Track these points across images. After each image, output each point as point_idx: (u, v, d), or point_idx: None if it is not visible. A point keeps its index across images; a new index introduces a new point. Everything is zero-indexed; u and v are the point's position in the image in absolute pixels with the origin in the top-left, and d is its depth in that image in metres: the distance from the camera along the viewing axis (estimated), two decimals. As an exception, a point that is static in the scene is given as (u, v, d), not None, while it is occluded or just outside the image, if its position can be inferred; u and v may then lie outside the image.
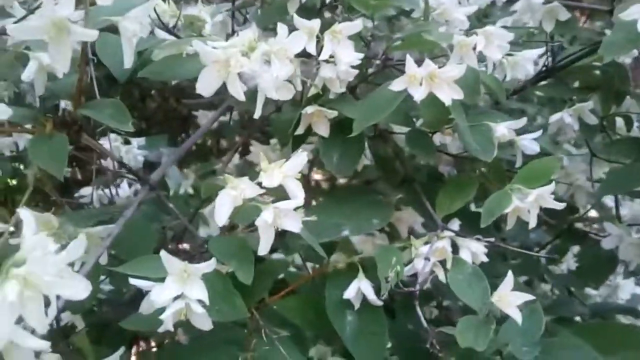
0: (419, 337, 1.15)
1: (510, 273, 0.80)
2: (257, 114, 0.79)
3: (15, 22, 0.66)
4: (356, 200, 1.00)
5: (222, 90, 0.76)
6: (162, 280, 0.72)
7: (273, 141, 1.37)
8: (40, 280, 0.52)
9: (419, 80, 0.90)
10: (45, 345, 0.55)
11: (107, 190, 1.40)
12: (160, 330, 0.73)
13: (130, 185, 1.45)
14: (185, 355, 0.86)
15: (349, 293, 0.93)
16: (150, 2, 0.70)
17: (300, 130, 0.97)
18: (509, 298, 0.79)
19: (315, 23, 0.88)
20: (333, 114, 0.96)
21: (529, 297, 0.83)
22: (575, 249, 1.50)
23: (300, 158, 0.76)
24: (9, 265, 0.55)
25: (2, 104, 0.62)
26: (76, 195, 1.44)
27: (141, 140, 1.44)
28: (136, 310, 0.77)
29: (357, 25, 0.89)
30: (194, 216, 1.21)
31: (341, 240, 1.01)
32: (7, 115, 0.64)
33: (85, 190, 1.43)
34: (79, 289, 0.56)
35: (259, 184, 0.73)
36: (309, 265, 1.17)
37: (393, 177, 1.08)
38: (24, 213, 0.58)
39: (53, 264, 0.53)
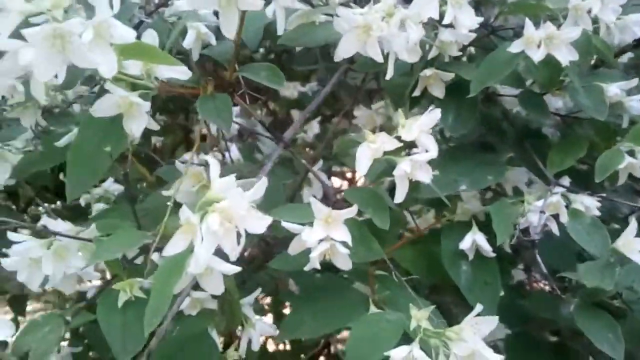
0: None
1: (634, 219, 0.85)
2: (389, 75, 0.86)
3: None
4: (470, 159, 1.06)
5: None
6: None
7: (374, 106, 1.44)
8: (236, 214, 0.61)
9: (536, 42, 0.95)
10: (237, 269, 0.64)
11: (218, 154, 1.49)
12: (307, 268, 0.81)
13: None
14: (319, 297, 0.93)
15: (465, 244, 1.00)
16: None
17: (417, 92, 1.03)
18: (633, 244, 0.84)
19: (439, -9, 0.94)
20: (449, 76, 1.02)
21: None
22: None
23: (434, 114, 0.82)
24: (204, 202, 0.64)
25: (183, 66, 0.71)
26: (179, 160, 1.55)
27: (237, 110, 1.53)
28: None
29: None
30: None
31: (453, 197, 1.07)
32: (187, 77, 0.73)
33: (188, 155, 1.54)
34: (261, 224, 0.64)
35: (398, 138, 0.80)
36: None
37: (502, 137, 1.13)
38: (211, 159, 0.67)
39: (246, 200, 0.62)
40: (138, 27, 0.90)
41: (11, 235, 0.88)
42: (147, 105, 0.69)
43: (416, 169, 0.81)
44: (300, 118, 0.99)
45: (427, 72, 1.01)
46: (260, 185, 0.65)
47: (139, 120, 0.70)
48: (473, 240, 1.00)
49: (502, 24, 1.16)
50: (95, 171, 0.71)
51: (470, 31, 0.97)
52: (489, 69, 0.98)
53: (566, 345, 1.28)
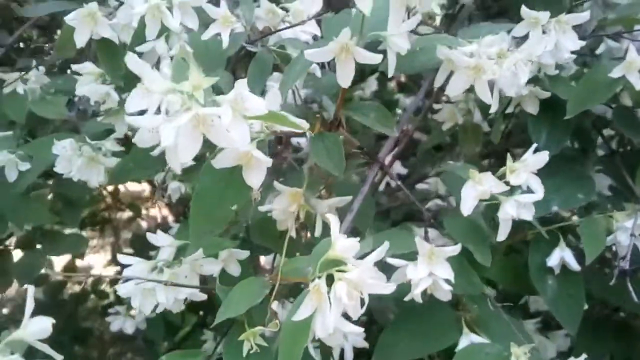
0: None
1: None
2: (493, 109, 0.86)
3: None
4: (560, 172, 1.06)
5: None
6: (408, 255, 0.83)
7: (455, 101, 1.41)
8: (364, 284, 0.64)
9: (638, 67, 0.93)
10: (360, 330, 0.67)
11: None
12: (407, 298, 0.84)
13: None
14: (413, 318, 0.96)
15: (553, 261, 1.02)
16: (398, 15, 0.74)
17: (510, 109, 1.03)
18: None
19: (544, 15, 0.92)
20: (546, 94, 1.01)
21: None
22: None
23: (542, 156, 0.83)
24: (327, 261, 0.67)
25: (305, 123, 0.73)
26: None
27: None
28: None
29: (584, 16, 0.93)
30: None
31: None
32: (306, 128, 0.74)
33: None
34: (387, 290, 0.67)
35: (507, 183, 0.81)
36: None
37: (591, 147, 1.12)
38: (331, 216, 0.70)
39: (372, 270, 0.65)
40: (243, 55, 0.92)
41: (121, 258, 0.93)
42: (268, 161, 0.71)
43: (520, 208, 0.83)
44: (390, 139, 1.00)
45: (524, 90, 1.00)
46: (383, 248, 0.67)
47: (258, 172, 0.73)
48: (561, 256, 1.02)
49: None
50: (218, 221, 0.74)
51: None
52: (588, 92, 0.97)
53: (629, 324, 1.34)
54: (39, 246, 1.74)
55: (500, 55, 0.80)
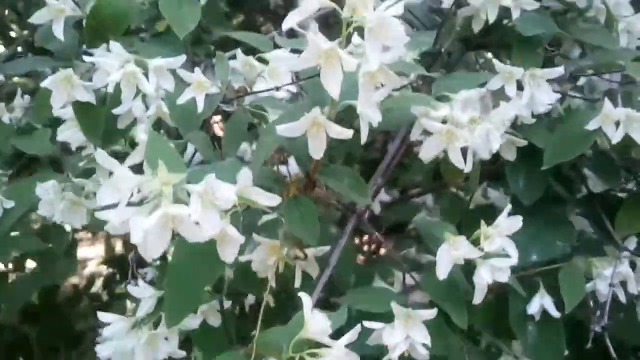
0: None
1: None
2: (466, 171, 0.86)
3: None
4: (538, 216, 1.06)
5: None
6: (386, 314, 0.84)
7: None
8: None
9: (614, 120, 0.94)
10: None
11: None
12: (384, 360, 0.85)
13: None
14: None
15: (533, 308, 1.02)
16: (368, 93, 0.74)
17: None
18: None
19: (517, 70, 0.93)
20: (523, 143, 1.01)
21: None
22: None
23: (515, 222, 0.83)
24: (300, 341, 0.68)
25: (277, 197, 0.73)
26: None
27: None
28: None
29: (558, 71, 0.94)
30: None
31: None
32: (277, 202, 0.75)
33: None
34: None
35: (481, 249, 0.82)
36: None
37: (570, 189, 1.13)
38: (304, 296, 0.70)
39: (344, 353, 0.66)
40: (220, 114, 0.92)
41: (101, 316, 0.93)
42: (242, 238, 0.71)
43: (496, 271, 0.84)
44: (372, 188, 1.00)
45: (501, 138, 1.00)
46: (356, 330, 0.68)
47: (232, 247, 0.73)
48: (541, 304, 1.03)
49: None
50: (194, 297, 0.75)
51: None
52: (564, 143, 0.98)
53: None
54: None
55: (473, 121, 0.81)
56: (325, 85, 0.68)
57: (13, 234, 1.50)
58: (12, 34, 1.99)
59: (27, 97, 1.39)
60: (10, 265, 1.88)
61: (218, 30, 1.57)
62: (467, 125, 0.81)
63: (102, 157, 0.62)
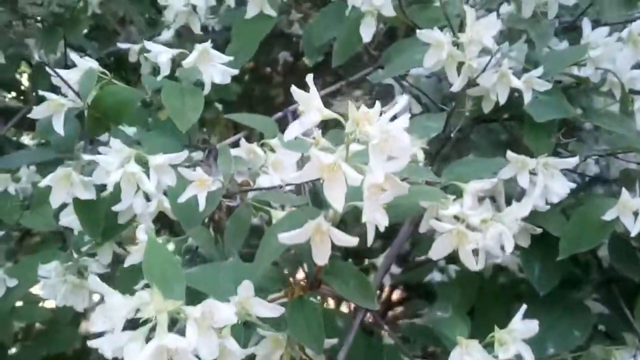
0: None
1: None
2: (478, 268, 0.83)
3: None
4: (554, 305, 1.03)
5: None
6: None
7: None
8: None
9: (633, 209, 0.91)
10: None
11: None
12: None
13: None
14: None
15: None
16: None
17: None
18: None
19: (531, 161, 0.90)
20: (537, 230, 0.98)
21: None
22: None
23: (532, 326, 0.80)
24: None
25: (281, 308, 0.70)
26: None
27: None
28: None
29: (573, 161, 0.91)
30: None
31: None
32: (279, 313, 0.72)
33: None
34: None
35: (495, 357, 0.78)
36: None
37: (587, 273, 1.09)
38: None
39: None
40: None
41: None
42: (242, 353, 0.68)
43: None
44: (377, 279, 0.97)
45: (515, 225, 0.97)
46: None
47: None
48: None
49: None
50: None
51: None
52: (580, 233, 0.94)
53: None
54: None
55: (484, 222, 0.78)
56: (329, 198, 0.66)
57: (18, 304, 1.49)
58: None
59: (32, 167, 1.38)
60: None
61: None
62: (479, 226, 0.78)
63: (94, 282, 0.59)
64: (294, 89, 0.66)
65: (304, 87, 0.66)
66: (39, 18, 1.54)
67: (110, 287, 0.62)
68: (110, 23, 1.64)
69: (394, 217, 0.81)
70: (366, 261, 1.42)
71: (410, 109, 1.23)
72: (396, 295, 2.15)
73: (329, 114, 0.66)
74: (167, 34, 1.49)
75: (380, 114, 0.64)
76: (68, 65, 1.60)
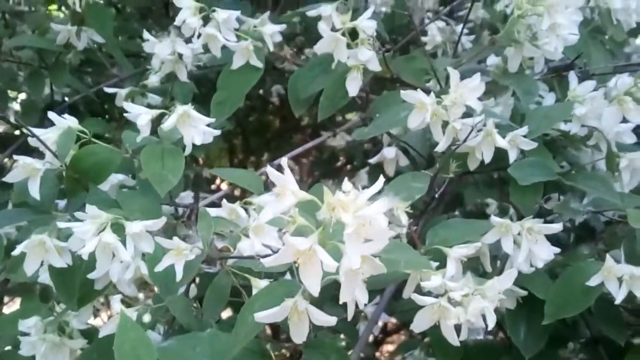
0: None
1: None
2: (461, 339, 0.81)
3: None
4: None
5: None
6: None
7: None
8: None
9: (617, 275, 0.89)
10: None
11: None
12: None
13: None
14: None
15: None
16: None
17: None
18: None
19: (515, 226, 0.89)
20: (522, 293, 0.96)
21: None
22: None
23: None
24: None
25: None
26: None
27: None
28: None
29: (557, 227, 0.90)
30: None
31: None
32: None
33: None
34: None
35: None
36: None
37: (575, 330, 1.08)
38: None
39: None
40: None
41: None
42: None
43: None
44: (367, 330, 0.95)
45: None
46: None
47: None
48: None
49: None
50: None
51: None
52: (566, 297, 0.93)
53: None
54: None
55: (466, 296, 0.76)
56: (304, 282, 0.64)
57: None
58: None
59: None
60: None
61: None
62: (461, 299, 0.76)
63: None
64: (269, 169, 0.65)
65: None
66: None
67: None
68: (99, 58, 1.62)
69: (373, 285, 0.80)
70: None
71: (397, 162, 1.22)
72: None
73: (304, 196, 0.64)
74: (154, 77, 1.47)
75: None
76: (56, 101, 1.60)
